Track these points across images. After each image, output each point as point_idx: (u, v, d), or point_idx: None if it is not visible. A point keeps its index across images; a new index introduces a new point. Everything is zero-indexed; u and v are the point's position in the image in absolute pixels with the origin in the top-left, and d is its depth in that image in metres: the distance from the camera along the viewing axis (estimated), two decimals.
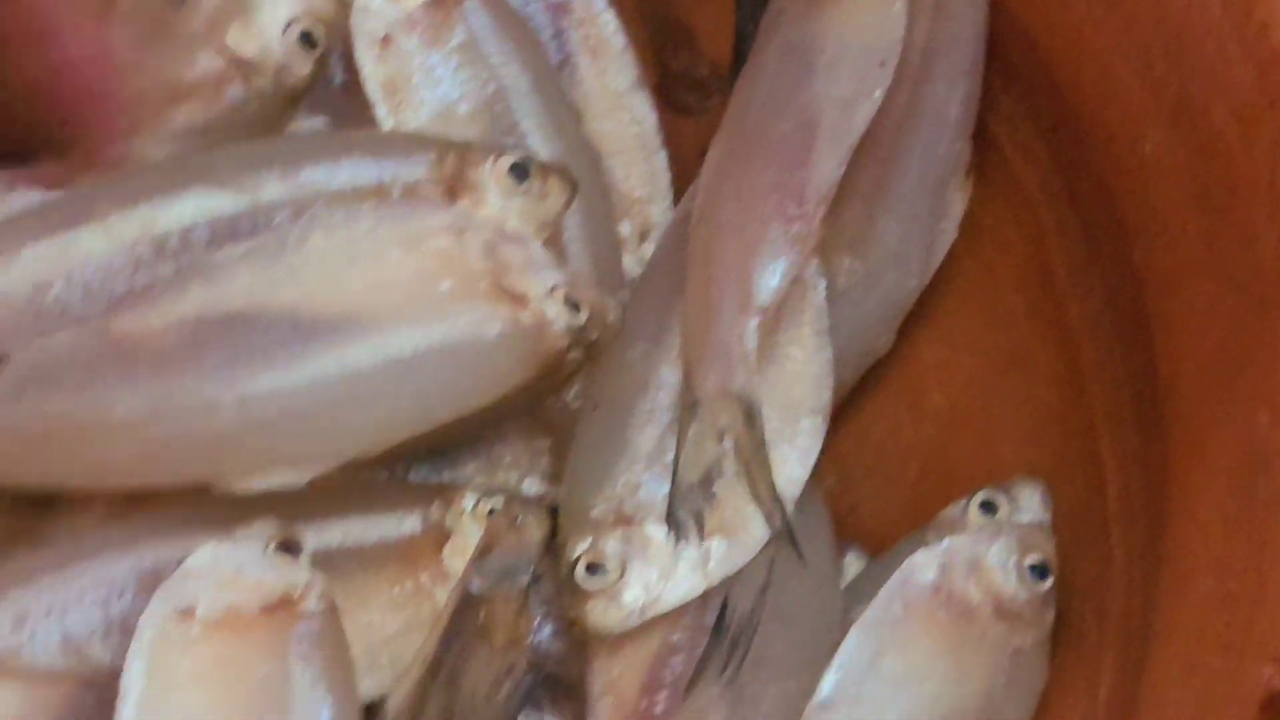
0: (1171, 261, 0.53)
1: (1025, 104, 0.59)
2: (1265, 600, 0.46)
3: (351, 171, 0.54)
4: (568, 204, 0.54)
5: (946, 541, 0.55)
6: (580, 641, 0.54)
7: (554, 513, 0.55)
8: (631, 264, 0.60)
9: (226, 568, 0.49)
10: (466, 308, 0.52)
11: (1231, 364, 0.51)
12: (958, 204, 0.60)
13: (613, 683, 0.54)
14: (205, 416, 0.50)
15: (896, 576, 0.54)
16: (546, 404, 0.56)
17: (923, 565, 0.54)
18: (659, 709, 0.53)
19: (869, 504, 0.61)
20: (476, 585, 0.50)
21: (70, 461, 0.50)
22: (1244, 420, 0.49)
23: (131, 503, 0.52)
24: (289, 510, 0.51)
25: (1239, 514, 0.49)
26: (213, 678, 0.48)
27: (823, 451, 0.57)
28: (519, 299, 0.53)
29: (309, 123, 0.58)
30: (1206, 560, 0.50)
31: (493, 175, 0.53)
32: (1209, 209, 0.52)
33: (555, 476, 0.57)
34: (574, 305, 0.53)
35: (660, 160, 0.61)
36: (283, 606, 0.49)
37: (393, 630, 0.52)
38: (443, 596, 0.52)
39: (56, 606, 0.50)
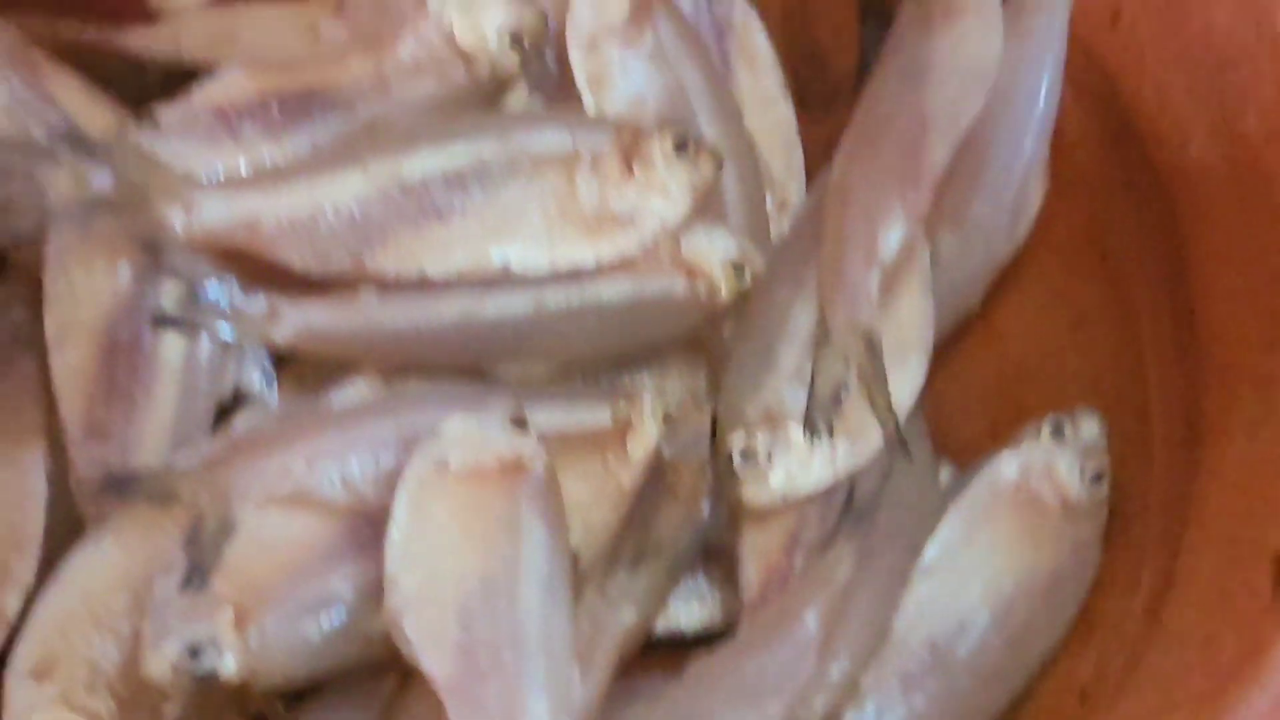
0: (1212, 240, 0.59)
1: (1094, 114, 0.64)
2: None
3: (550, 139, 0.61)
4: (716, 170, 0.61)
5: (1025, 448, 0.61)
6: (734, 516, 0.60)
7: (713, 419, 0.61)
8: (772, 230, 0.67)
9: (475, 434, 0.55)
10: (656, 274, 0.62)
11: (1259, 320, 0.56)
12: (1037, 192, 0.65)
13: (759, 547, 0.60)
14: (468, 322, 0.59)
15: (986, 471, 0.61)
16: (705, 333, 0.64)
17: (1007, 465, 0.61)
18: (797, 565, 0.60)
19: (960, 428, 0.66)
20: (667, 451, 0.59)
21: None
22: (1267, 362, 0.55)
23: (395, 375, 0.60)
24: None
25: (1261, 426, 0.55)
26: (461, 516, 0.54)
27: (925, 385, 0.62)
28: (696, 270, 0.62)
29: (530, 100, 0.65)
30: (1234, 460, 0.56)
31: (659, 146, 0.61)
32: (1241, 198, 0.58)
33: (711, 391, 0.64)
34: (739, 270, 0.62)
35: (797, 152, 0.69)
36: (516, 467, 0.55)
37: (584, 499, 0.59)
38: (624, 475, 0.59)
39: (338, 454, 0.56)
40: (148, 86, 0.62)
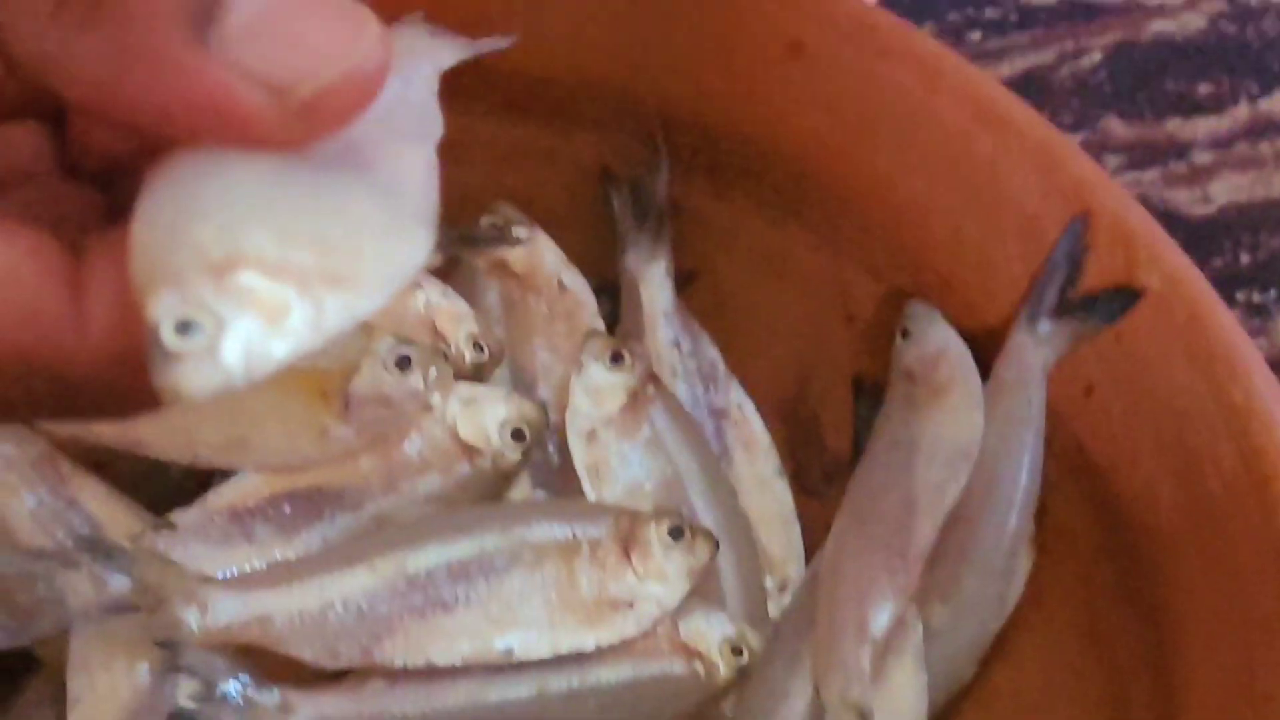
0: (1185, 598, 0.61)
1: (1075, 483, 0.66)
2: None
3: (550, 530, 0.63)
4: (711, 557, 0.64)
5: None
6: None
7: None
8: (772, 610, 0.68)
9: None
10: (655, 657, 0.64)
11: (1230, 675, 0.58)
12: (1025, 563, 0.66)
13: None
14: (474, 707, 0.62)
15: None
16: (707, 712, 0.65)
17: None
18: None
19: None
20: None
21: None
22: (1242, 714, 0.58)
23: None
24: None
25: None
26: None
27: None
28: (694, 652, 0.64)
29: (533, 494, 0.68)
30: None
31: (656, 534, 0.63)
32: (1207, 555, 0.60)
33: None
34: (737, 651, 0.64)
35: (795, 531, 0.70)
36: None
37: None
38: None
39: None
40: (170, 484, 0.65)
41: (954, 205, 0.69)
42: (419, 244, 0.36)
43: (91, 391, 0.34)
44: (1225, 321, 0.63)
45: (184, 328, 0.32)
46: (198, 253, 0.33)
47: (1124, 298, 0.65)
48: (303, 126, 0.33)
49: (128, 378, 0.33)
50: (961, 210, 0.69)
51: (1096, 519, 0.66)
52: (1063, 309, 0.67)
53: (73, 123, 0.38)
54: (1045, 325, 0.67)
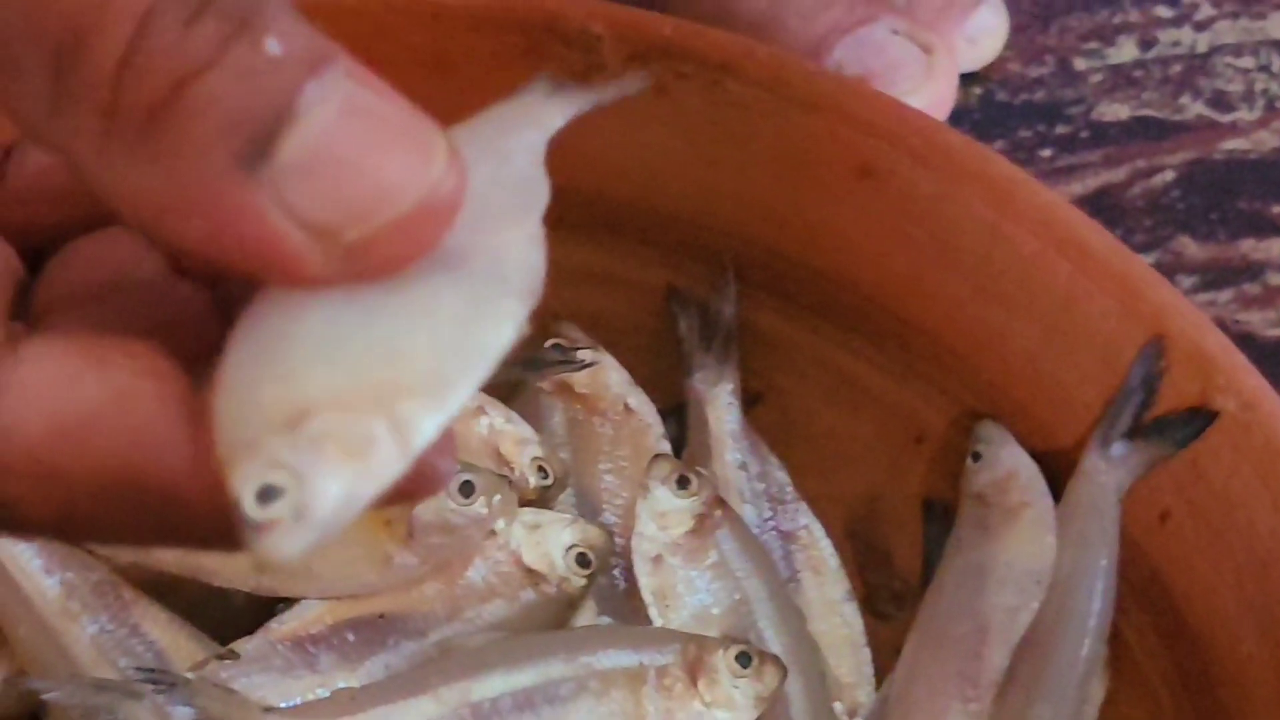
0: None
1: (1148, 612, 0.65)
2: None
3: (616, 657, 0.63)
4: (780, 684, 0.63)
5: None
6: None
7: None
8: None
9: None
10: None
11: None
12: (1098, 691, 0.65)
13: None
14: None
15: None
16: None
17: None
18: None
19: None
20: None
21: None
22: None
23: None
24: None
25: None
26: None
27: None
28: None
29: (599, 620, 0.67)
30: None
31: (724, 661, 0.62)
32: None
33: None
34: None
35: (865, 655, 0.69)
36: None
37: None
38: None
39: None
40: (232, 611, 0.65)
41: (1029, 331, 0.68)
42: (507, 318, 0.34)
43: (201, 523, 0.33)
44: None
45: (265, 495, 0.31)
46: (267, 414, 0.32)
47: (1199, 421, 0.64)
48: (353, 270, 0.32)
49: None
50: (1036, 335, 0.68)
51: (1169, 650, 0.66)
52: (1137, 432, 0.66)
53: None
54: (1119, 448, 0.66)
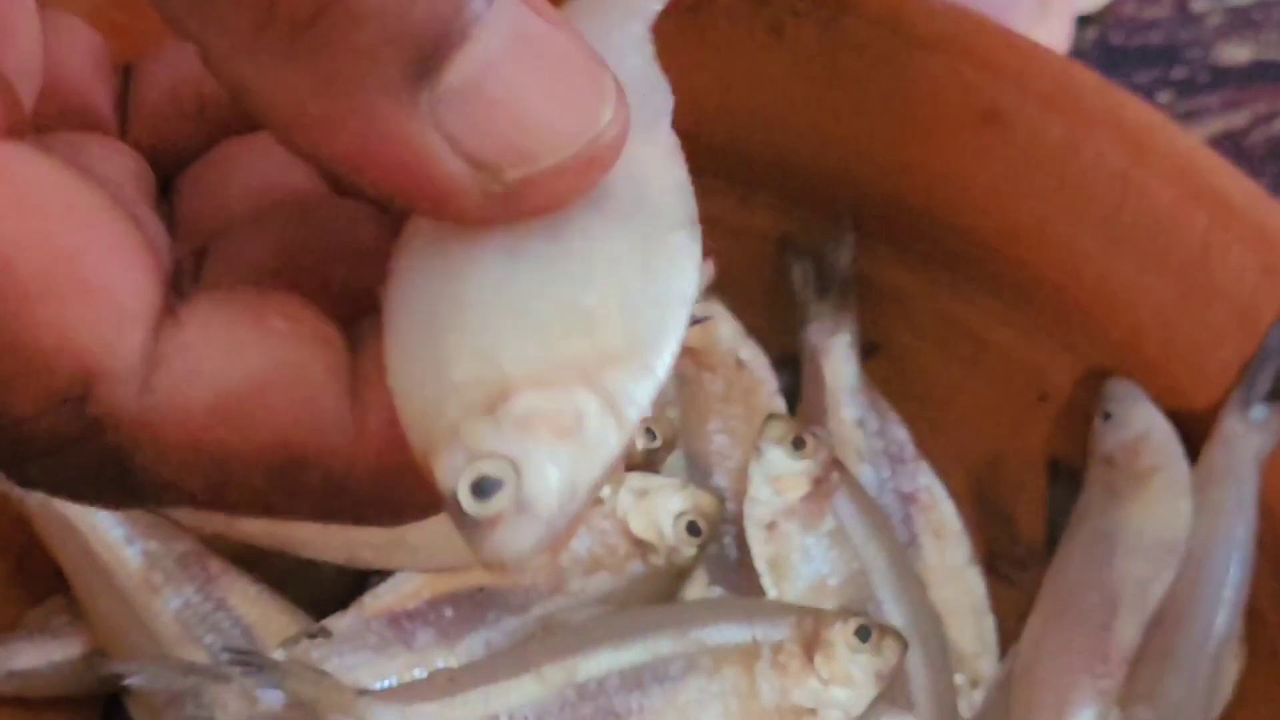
0: None
1: None
2: None
3: (729, 633, 0.60)
4: (901, 659, 0.61)
5: None
6: None
7: None
8: (964, 708, 0.65)
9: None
10: None
11: None
12: (1233, 668, 0.63)
13: None
14: None
15: None
16: None
17: None
18: None
19: None
20: None
21: None
22: None
23: None
24: None
25: None
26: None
27: None
28: None
29: (709, 590, 0.65)
30: None
31: (842, 635, 0.60)
32: None
33: None
34: None
35: (989, 623, 0.67)
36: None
37: None
38: None
39: None
40: (323, 584, 0.63)
41: (1162, 285, 0.65)
42: (685, 256, 0.31)
43: (361, 497, 0.31)
44: None
45: (482, 488, 0.28)
46: (463, 398, 0.29)
47: None
48: (508, 210, 0.29)
49: (401, 490, 0.30)
50: (1170, 290, 0.65)
51: None
52: (1277, 396, 0.63)
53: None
54: (1259, 411, 0.64)
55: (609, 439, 0.29)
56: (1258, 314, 0.63)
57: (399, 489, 0.30)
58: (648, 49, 0.34)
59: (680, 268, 0.30)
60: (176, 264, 0.31)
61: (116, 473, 0.30)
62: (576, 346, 0.29)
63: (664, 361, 0.29)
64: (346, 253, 0.33)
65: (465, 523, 0.28)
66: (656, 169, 0.32)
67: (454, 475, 0.28)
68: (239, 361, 0.29)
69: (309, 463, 0.30)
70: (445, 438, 0.29)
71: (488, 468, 0.28)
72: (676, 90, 0.34)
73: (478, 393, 0.29)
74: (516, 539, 0.28)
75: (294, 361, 0.30)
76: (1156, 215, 0.65)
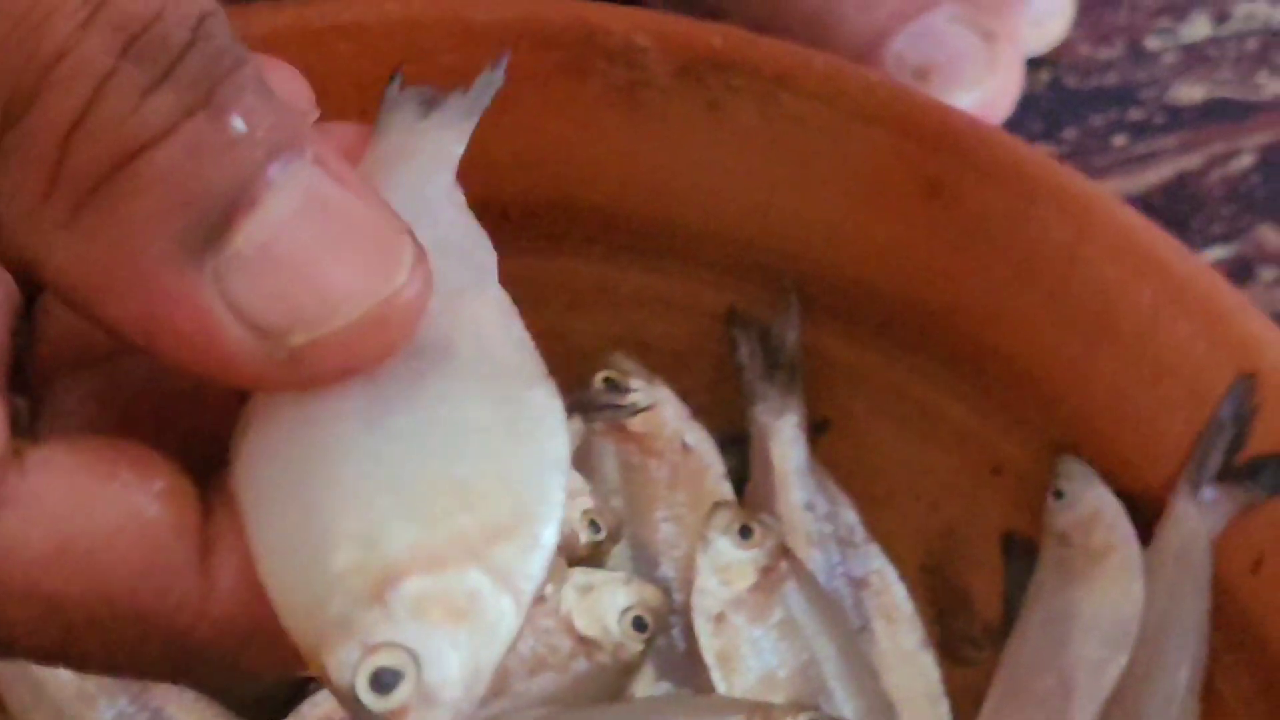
0: None
1: (1245, 666, 0.63)
2: None
3: None
4: None
5: None
6: None
7: None
8: None
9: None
10: None
11: None
12: None
13: None
14: None
15: None
16: None
17: None
18: None
19: None
20: None
21: None
22: None
23: None
24: None
25: None
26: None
27: None
28: None
29: (657, 686, 0.64)
30: None
31: None
32: None
33: None
34: None
35: (943, 707, 0.66)
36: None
37: None
38: None
39: None
40: (259, 691, 0.62)
41: (1111, 359, 0.65)
42: (550, 413, 0.31)
43: (209, 657, 0.31)
44: None
45: (381, 681, 0.28)
46: (349, 587, 0.28)
47: None
48: (298, 376, 0.29)
49: (251, 651, 0.31)
50: (1119, 364, 0.65)
51: (1266, 702, 0.63)
52: (1228, 474, 0.63)
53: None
54: (1210, 492, 0.63)
55: (507, 617, 0.28)
56: (1208, 388, 0.63)
57: (248, 650, 0.30)
58: (458, 198, 0.35)
59: (549, 428, 0.30)
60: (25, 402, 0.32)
61: None
62: (460, 522, 0.29)
63: (551, 531, 0.29)
64: (185, 396, 0.33)
65: (362, 717, 0.28)
66: (496, 327, 0.32)
67: (349, 671, 0.28)
68: (84, 511, 0.29)
69: (153, 619, 0.30)
70: (335, 631, 0.28)
71: (386, 659, 0.28)
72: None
73: (364, 580, 0.28)
74: None
75: (141, 514, 0.30)
76: (1104, 289, 0.64)
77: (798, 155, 0.67)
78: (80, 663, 0.31)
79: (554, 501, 0.30)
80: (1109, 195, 0.64)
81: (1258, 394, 0.62)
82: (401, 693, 0.28)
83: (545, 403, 0.31)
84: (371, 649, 0.28)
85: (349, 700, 0.28)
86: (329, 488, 0.29)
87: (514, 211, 0.67)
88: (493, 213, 0.35)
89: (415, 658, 0.28)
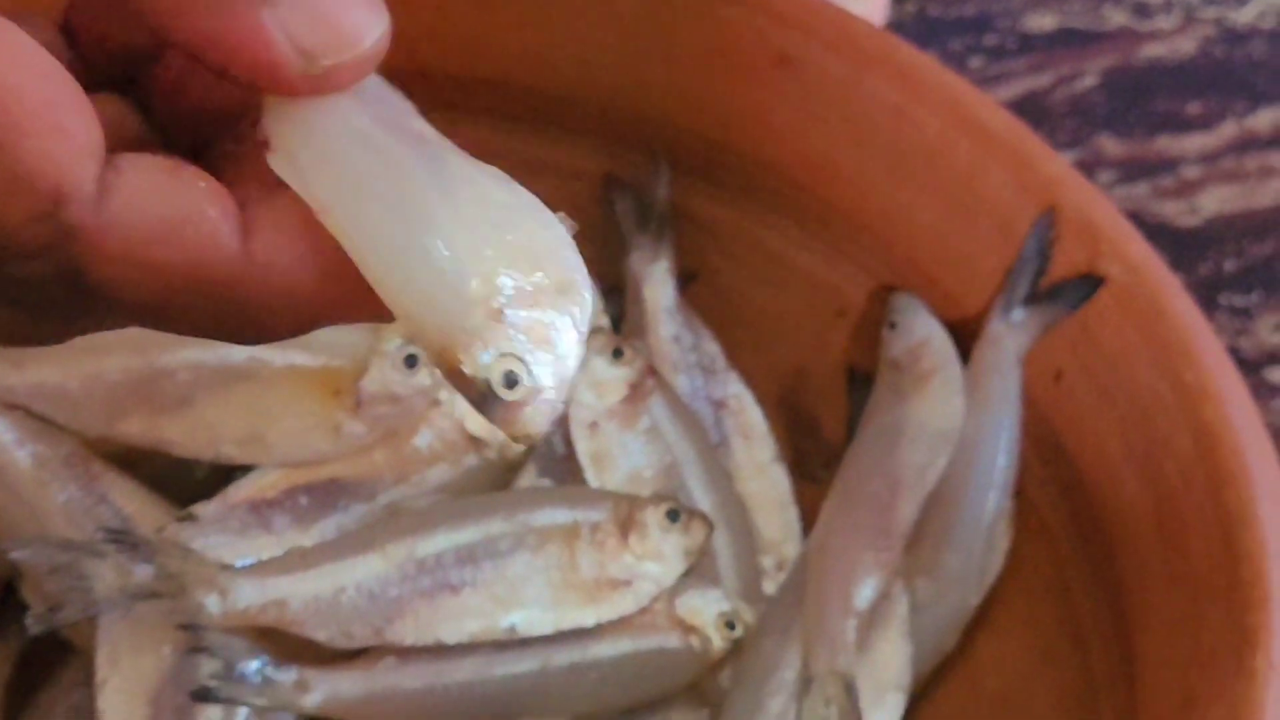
0: (1143, 579, 0.65)
1: (1048, 466, 0.69)
2: None
3: (552, 515, 0.67)
4: (707, 538, 0.68)
5: None
6: None
7: None
8: (771, 588, 0.72)
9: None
10: (653, 631, 0.68)
11: (1180, 646, 0.62)
12: (1004, 541, 0.69)
13: None
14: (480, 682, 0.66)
15: None
16: (705, 683, 0.69)
17: None
18: None
19: None
20: None
21: None
22: (1189, 680, 0.60)
23: None
24: None
25: None
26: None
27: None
28: (690, 626, 0.68)
29: (538, 481, 0.71)
30: None
31: (653, 517, 0.67)
32: (1164, 535, 0.64)
33: None
34: (730, 625, 0.68)
35: (792, 513, 0.74)
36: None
37: None
38: None
39: None
40: (194, 481, 0.70)
41: (935, 207, 0.73)
42: (541, 207, 0.42)
43: (249, 311, 0.40)
44: (1182, 307, 0.67)
45: (509, 380, 0.38)
46: (479, 309, 0.39)
47: (1087, 285, 0.69)
48: (317, 86, 0.40)
49: (275, 306, 0.40)
50: (942, 211, 0.72)
51: (1066, 500, 0.70)
52: (1033, 298, 0.71)
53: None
54: (1018, 313, 0.71)
55: (576, 348, 0.39)
56: (1016, 227, 0.70)
57: (273, 305, 0.40)
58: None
59: (547, 214, 0.42)
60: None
61: (72, 280, 0.39)
62: (536, 277, 0.40)
63: (590, 294, 0.40)
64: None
65: (498, 407, 0.38)
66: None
67: (487, 366, 0.38)
68: (164, 198, 0.39)
69: (209, 281, 0.40)
70: (472, 337, 0.39)
71: (509, 362, 0.38)
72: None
73: (487, 307, 0.39)
74: (540, 418, 0.39)
75: (199, 203, 0.40)
76: (927, 144, 0.72)
77: (666, 30, 0.75)
78: (160, 319, 0.41)
79: (584, 270, 0.40)
80: (933, 61, 0.72)
81: (1057, 227, 0.70)
82: (521, 389, 0.38)
83: (533, 199, 0.42)
84: (501, 354, 0.38)
85: (482, 390, 0.38)
86: (438, 233, 0.39)
87: (416, 84, 0.75)
88: (397, 83, 0.44)
89: (527, 366, 0.38)
